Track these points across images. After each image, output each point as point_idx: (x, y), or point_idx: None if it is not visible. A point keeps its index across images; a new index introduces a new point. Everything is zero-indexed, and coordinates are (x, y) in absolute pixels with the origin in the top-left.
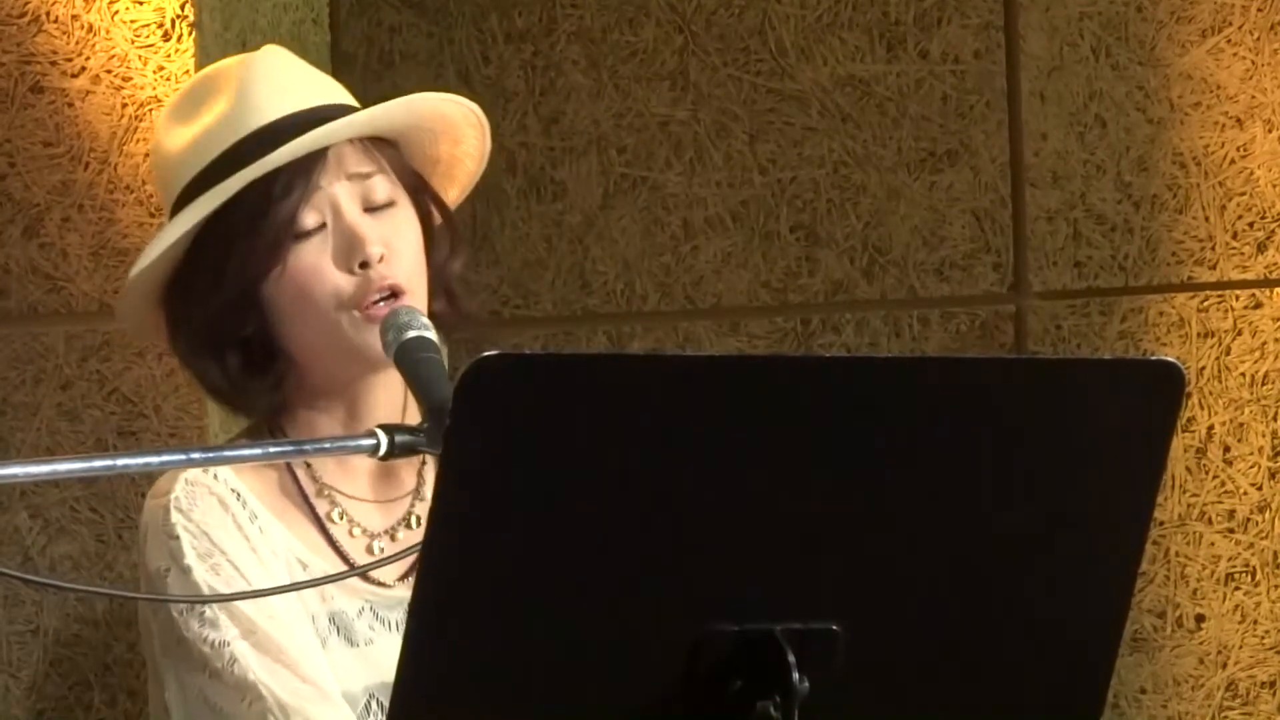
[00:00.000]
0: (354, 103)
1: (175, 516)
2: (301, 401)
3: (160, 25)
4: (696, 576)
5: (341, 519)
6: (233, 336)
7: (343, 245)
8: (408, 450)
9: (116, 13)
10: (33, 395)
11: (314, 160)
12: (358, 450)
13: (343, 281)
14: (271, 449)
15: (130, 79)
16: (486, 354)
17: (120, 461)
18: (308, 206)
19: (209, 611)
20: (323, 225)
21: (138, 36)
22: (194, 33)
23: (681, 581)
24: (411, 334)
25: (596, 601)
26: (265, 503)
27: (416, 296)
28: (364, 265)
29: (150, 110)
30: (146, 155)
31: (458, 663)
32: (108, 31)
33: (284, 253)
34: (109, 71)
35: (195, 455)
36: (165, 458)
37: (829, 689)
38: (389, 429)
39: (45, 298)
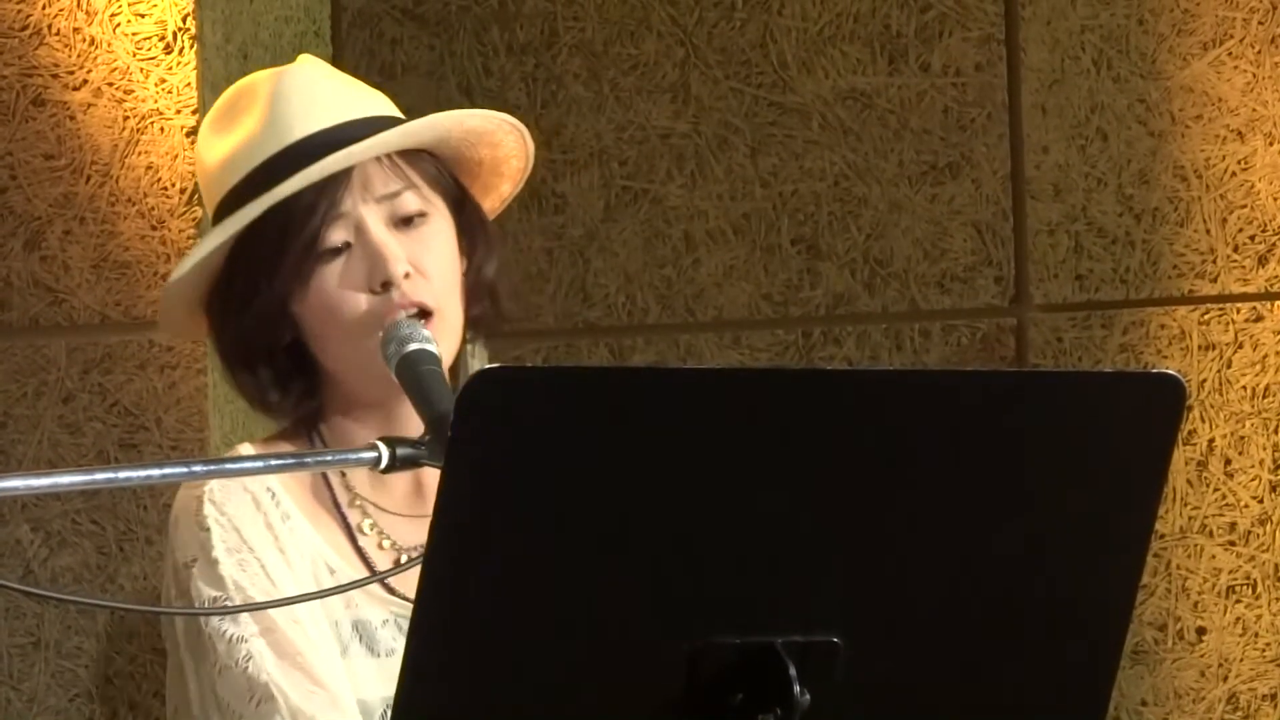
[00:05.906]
0: (389, 111)
1: (209, 509)
2: (339, 409)
3: (162, 38)
4: (697, 589)
5: (372, 530)
6: (268, 348)
7: (366, 265)
8: (409, 463)
9: (118, 25)
10: (34, 408)
11: (338, 180)
12: (359, 463)
13: (364, 303)
14: (273, 461)
15: (132, 91)
16: (488, 367)
17: (122, 474)
18: (332, 226)
19: (230, 605)
20: (349, 244)
21: (139, 49)
22: (195, 45)
23: (682, 594)
24: (413, 347)
25: (597, 613)
26: (299, 505)
27: (446, 314)
28: (386, 285)
29: (152, 123)
30: (148, 168)
31: (458, 673)
32: (109, 44)
33: (309, 272)
34: (110, 84)
35: (197, 468)
36: (167, 470)
37: (830, 702)
38: (391, 441)
39: (46, 310)
